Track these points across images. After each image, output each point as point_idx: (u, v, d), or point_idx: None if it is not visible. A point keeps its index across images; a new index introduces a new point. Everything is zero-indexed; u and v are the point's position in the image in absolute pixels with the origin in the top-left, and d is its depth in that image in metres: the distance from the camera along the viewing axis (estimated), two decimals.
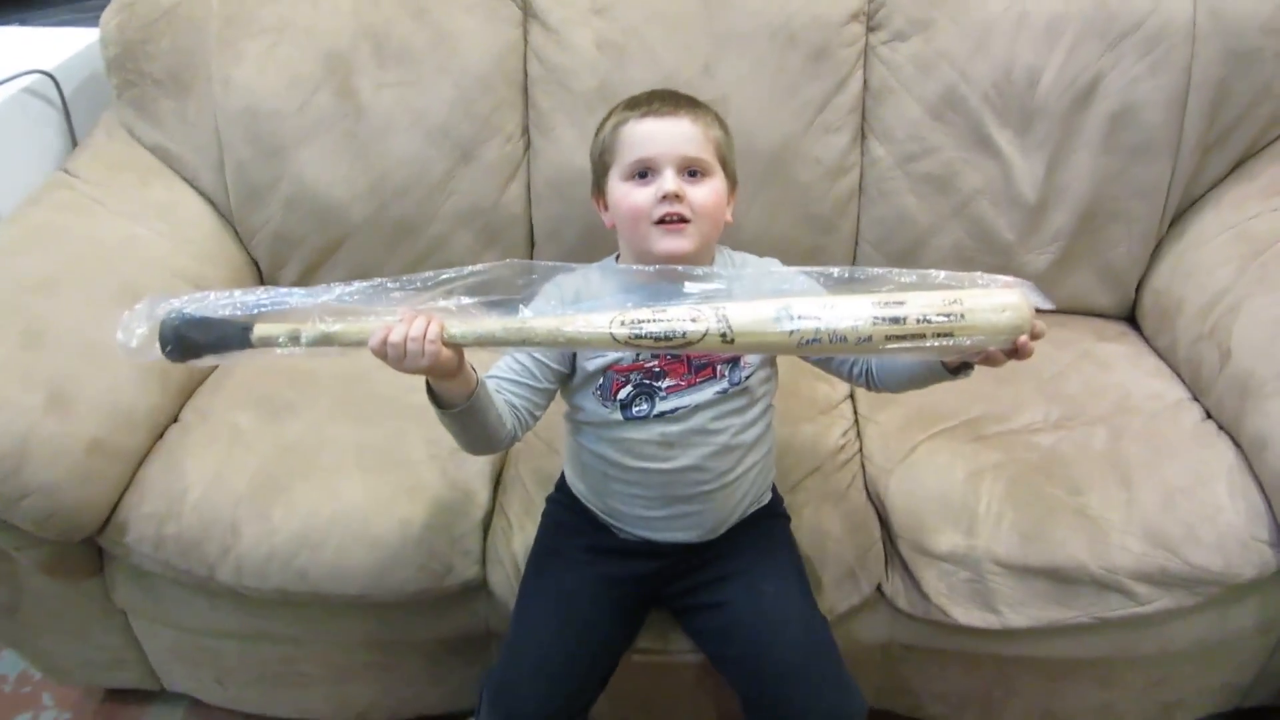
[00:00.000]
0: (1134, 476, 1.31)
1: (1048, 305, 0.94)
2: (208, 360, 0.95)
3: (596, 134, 1.17)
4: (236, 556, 1.29)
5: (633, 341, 0.92)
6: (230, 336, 0.93)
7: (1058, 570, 1.26)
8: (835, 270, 0.97)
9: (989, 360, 0.97)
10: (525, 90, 1.60)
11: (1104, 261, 1.59)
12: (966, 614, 1.28)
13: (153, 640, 1.50)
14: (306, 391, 1.47)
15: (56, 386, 1.26)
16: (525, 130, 1.61)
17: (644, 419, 1.14)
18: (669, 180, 1.07)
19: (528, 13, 1.58)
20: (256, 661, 1.49)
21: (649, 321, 0.92)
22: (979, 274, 0.95)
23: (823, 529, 1.32)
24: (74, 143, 1.71)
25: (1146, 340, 1.60)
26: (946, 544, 1.28)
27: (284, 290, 0.94)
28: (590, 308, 0.95)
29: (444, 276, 0.95)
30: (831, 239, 1.61)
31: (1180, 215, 1.59)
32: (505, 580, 1.30)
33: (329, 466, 1.36)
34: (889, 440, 1.41)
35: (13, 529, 1.25)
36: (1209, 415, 1.42)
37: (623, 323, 0.92)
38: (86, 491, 1.28)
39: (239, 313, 0.93)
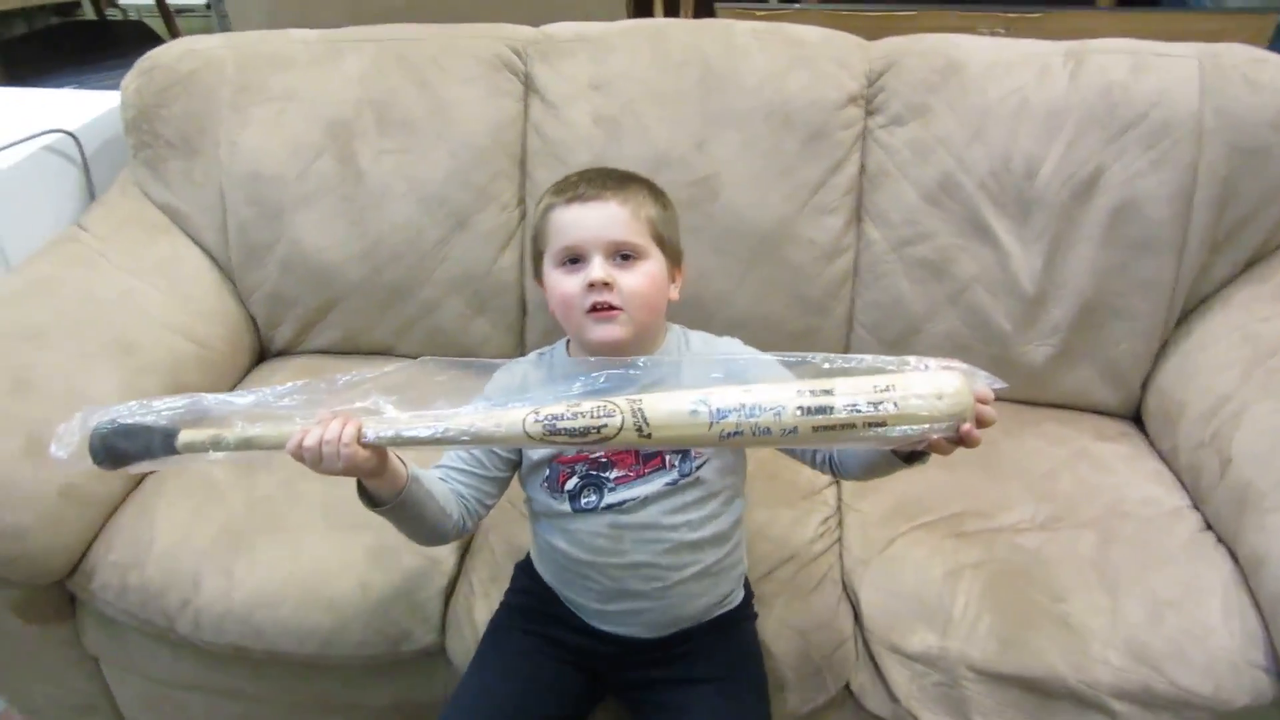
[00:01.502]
0: (1120, 585, 1.24)
1: (998, 385, 0.89)
2: (139, 467, 0.96)
3: (531, 218, 1.16)
4: (195, 610, 1.30)
5: (548, 438, 0.90)
6: (155, 444, 0.94)
7: (1035, 681, 1.19)
8: (794, 356, 0.94)
9: (935, 448, 0.91)
10: (523, 162, 1.62)
11: (1106, 358, 1.54)
12: None
13: (122, 688, 1.51)
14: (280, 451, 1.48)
15: (36, 433, 1.29)
16: (521, 200, 1.63)
17: (593, 510, 1.11)
18: (596, 268, 1.05)
19: (529, 87, 1.61)
20: (221, 716, 1.49)
21: (563, 417, 0.90)
22: (928, 359, 0.90)
23: (791, 624, 1.27)
24: (93, 199, 1.78)
25: (1150, 442, 1.54)
26: (919, 644, 1.23)
27: (212, 397, 0.96)
28: (517, 402, 0.93)
29: (361, 377, 0.96)
30: (824, 321, 1.58)
31: (1188, 314, 1.53)
32: (464, 648, 1.28)
33: (296, 524, 1.36)
34: (869, 530, 1.36)
35: None
36: (1208, 525, 1.34)
37: (536, 419, 0.90)
38: (57, 536, 1.30)
39: (168, 421, 0.95)
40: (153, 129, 1.66)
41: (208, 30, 2.14)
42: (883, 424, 0.86)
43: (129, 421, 0.95)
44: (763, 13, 2.19)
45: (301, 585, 1.30)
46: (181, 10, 2.97)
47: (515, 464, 1.14)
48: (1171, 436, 1.46)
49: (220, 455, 0.95)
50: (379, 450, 0.94)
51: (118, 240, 1.62)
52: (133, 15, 3.47)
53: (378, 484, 0.99)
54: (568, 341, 1.17)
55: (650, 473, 1.09)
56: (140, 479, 1.44)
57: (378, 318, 1.67)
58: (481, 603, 1.30)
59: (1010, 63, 1.49)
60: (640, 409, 0.89)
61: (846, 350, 1.61)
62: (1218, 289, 1.51)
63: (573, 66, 1.58)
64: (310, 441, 0.91)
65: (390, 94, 1.61)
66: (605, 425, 0.88)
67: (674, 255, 1.14)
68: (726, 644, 1.20)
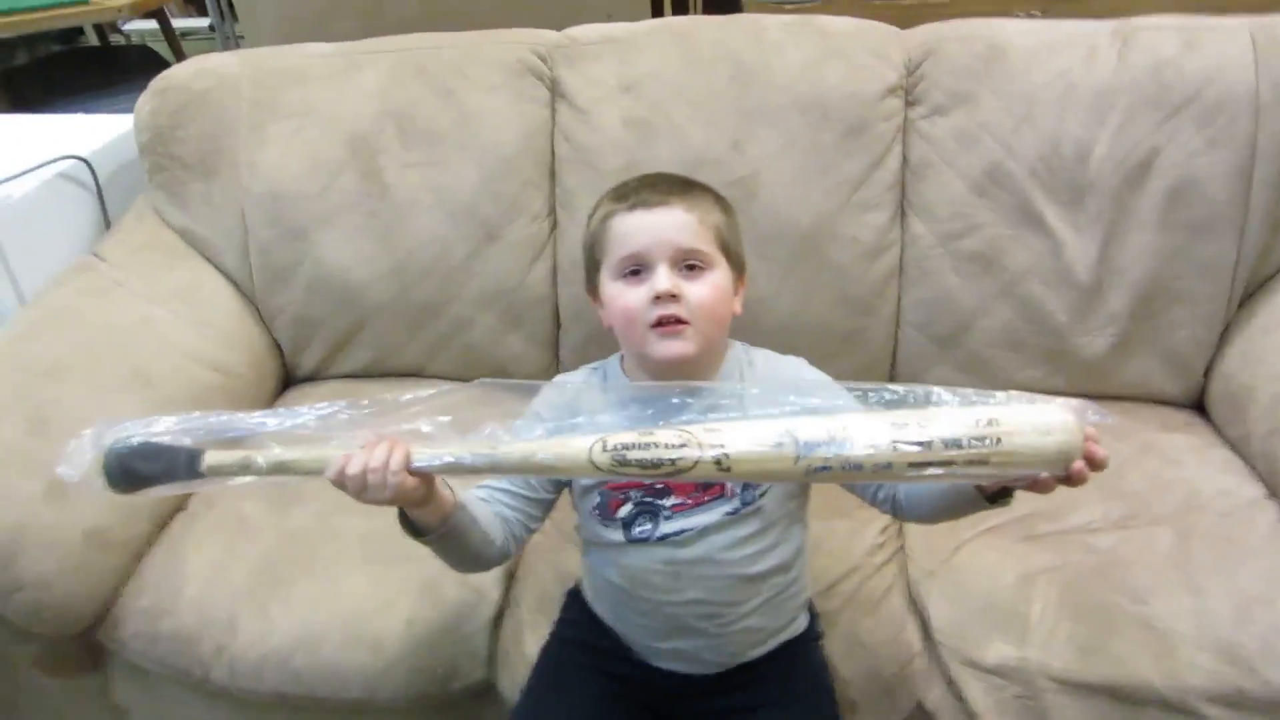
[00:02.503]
0: (1204, 583, 1.19)
1: (1107, 419, 0.82)
2: (157, 491, 0.89)
3: (587, 225, 1.09)
4: (231, 656, 1.24)
5: (616, 469, 0.84)
6: (178, 466, 0.87)
7: (1121, 689, 1.13)
8: (871, 389, 0.87)
9: (1036, 486, 0.84)
10: (552, 170, 1.57)
11: (1167, 346, 1.48)
12: None
13: None
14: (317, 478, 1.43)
15: (58, 474, 1.23)
16: (552, 210, 1.58)
17: (647, 541, 1.04)
18: (662, 278, 0.97)
19: (555, 92, 1.56)
20: None
21: (634, 448, 0.83)
22: (1038, 396, 0.84)
23: (859, 640, 1.22)
24: (107, 227, 1.73)
25: (1216, 430, 1.48)
26: (995, 655, 1.17)
27: (241, 415, 0.89)
28: (577, 425, 0.88)
29: (408, 398, 0.89)
30: (871, 321, 1.53)
31: (1250, 296, 1.47)
32: (515, 682, 1.22)
33: (332, 560, 1.31)
34: (931, 538, 1.30)
35: (6, 623, 1.21)
36: None
37: (604, 448, 0.84)
38: (82, 584, 1.25)
39: (190, 439, 0.88)
40: (168, 151, 1.61)
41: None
42: (984, 462, 0.80)
43: (150, 441, 0.88)
44: (791, 6, 2.14)
45: (343, 625, 1.24)
46: (186, 34, 2.94)
47: (563, 485, 1.08)
48: (1241, 424, 1.40)
49: (248, 480, 0.87)
50: (426, 477, 0.88)
51: (135, 267, 1.58)
52: (136, 40, 3.43)
53: (423, 512, 0.92)
54: (621, 356, 1.10)
55: (710, 500, 1.03)
56: (169, 519, 1.38)
57: (408, 338, 1.62)
58: (531, 634, 1.25)
59: (1055, 45, 1.44)
60: (721, 440, 0.82)
61: (894, 351, 1.56)
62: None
63: (600, 69, 1.53)
64: (354, 469, 0.84)
65: (412, 105, 1.56)
66: (680, 457, 0.82)
67: (739, 265, 1.07)
68: (793, 671, 1.14)
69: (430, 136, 1.56)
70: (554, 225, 1.58)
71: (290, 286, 1.61)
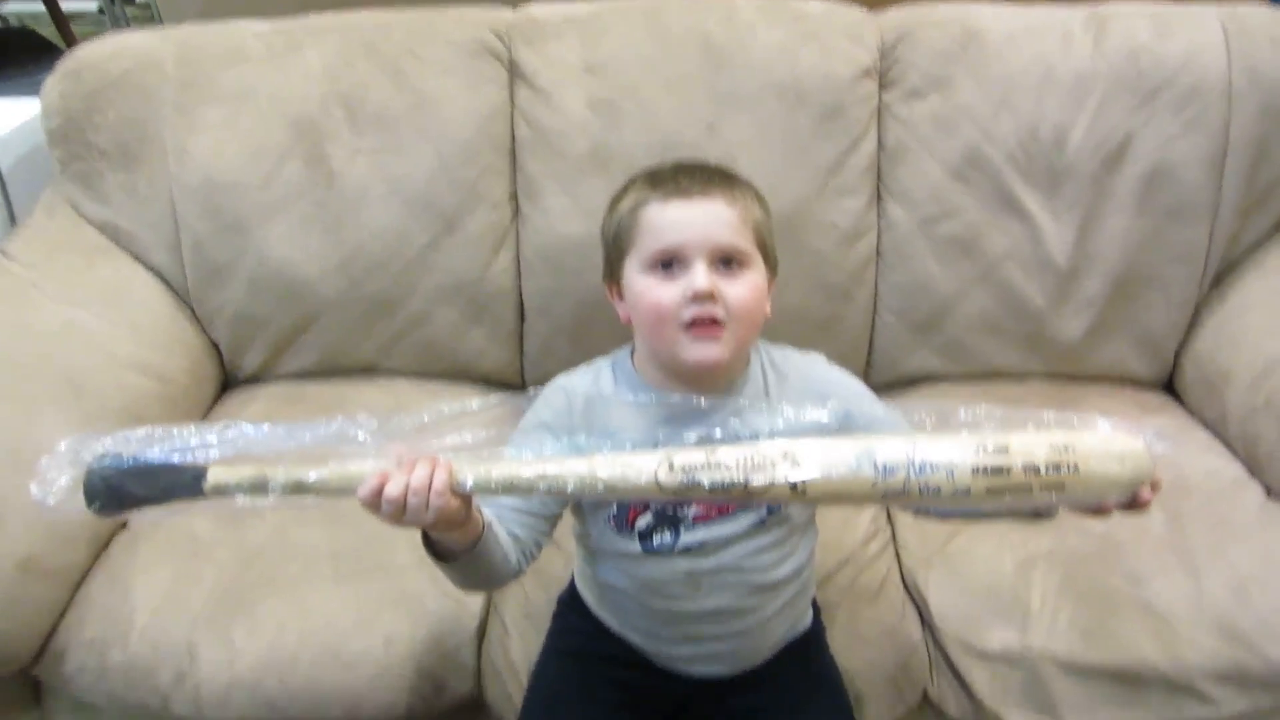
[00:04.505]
0: (1200, 563, 1.20)
1: (1168, 451, 0.82)
2: (146, 513, 0.79)
3: (610, 211, 1.00)
4: (194, 685, 1.14)
5: (684, 491, 0.78)
6: (176, 485, 0.78)
7: (1124, 670, 1.14)
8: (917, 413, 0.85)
9: (1097, 511, 0.83)
10: (513, 155, 1.49)
11: (1141, 328, 1.50)
12: None
13: None
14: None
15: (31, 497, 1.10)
16: (513, 197, 1.50)
17: (667, 553, 0.98)
18: (700, 276, 0.89)
19: (514, 73, 1.48)
20: None
21: (704, 468, 0.78)
22: (1094, 417, 0.82)
23: (859, 633, 1.19)
24: (12, 222, 1.58)
25: (1190, 412, 1.51)
26: (998, 642, 1.17)
27: (245, 426, 0.80)
28: (603, 443, 0.83)
29: (457, 409, 0.83)
30: (848, 308, 1.50)
31: (1219, 279, 1.50)
32: (504, 695, 1.17)
33: (298, 577, 1.21)
34: (925, 527, 1.29)
35: None
36: (1270, 492, 1.31)
37: (671, 467, 0.78)
38: (17, 618, 1.13)
39: (181, 455, 0.78)
40: (84, 139, 1.47)
41: None
42: (1060, 487, 0.78)
43: (146, 459, 0.78)
44: None
45: (316, 645, 1.15)
46: (72, 16, 2.72)
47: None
48: (1218, 405, 1.42)
49: (251, 500, 0.78)
50: (465, 498, 0.81)
51: (50, 268, 1.44)
52: (15, 23, 3.17)
53: (455, 535, 0.85)
54: (632, 352, 1.02)
55: (736, 510, 0.97)
56: (108, 541, 1.26)
57: (360, 335, 1.52)
58: (518, 643, 1.19)
59: (1031, 29, 1.44)
60: (797, 462, 0.78)
61: (871, 338, 1.54)
62: (1247, 252, 1.49)
63: (561, 49, 1.46)
64: (395, 491, 0.76)
65: (361, 88, 1.46)
66: (754, 479, 0.77)
67: (774, 264, 0.99)
68: (807, 666, 1.10)
69: (381, 121, 1.46)
70: (516, 213, 1.50)
71: (229, 284, 1.49)
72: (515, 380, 1.58)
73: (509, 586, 1.22)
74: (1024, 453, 0.78)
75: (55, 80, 1.48)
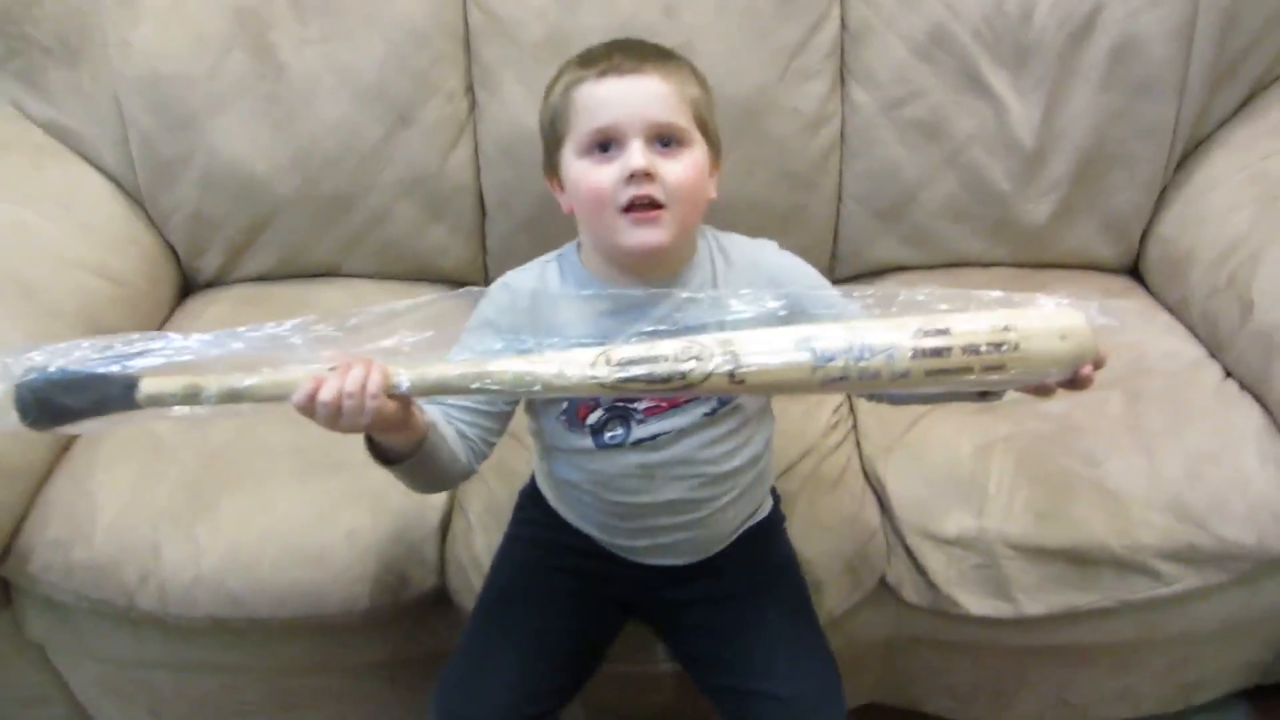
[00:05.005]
0: (1155, 444, 1.21)
1: (1112, 323, 0.81)
2: (83, 426, 0.78)
3: (545, 97, 0.96)
4: (159, 583, 1.15)
5: (621, 385, 0.78)
6: (110, 397, 0.77)
7: (1076, 550, 1.16)
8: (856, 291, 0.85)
9: (1039, 390, 0.83)
10: (467, 43, 1.44)
11: (1106, 210, 1.48)
12: (979, 603, 1.18)
13: (76, 674, 1.35)
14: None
15: None
16: (469, 88, 1.46)
17: (618, 446, 0.97)
18: (636, 154, 0.86)
19: None
20: (194, 693, 1.34)
21: (640, 361, 0.78)
22: (1035, 296, 0.82)
23: (819, 520, 1.20)
24: None
25: (1153, 295, 1.49)
26: (954, 527, 1.18)
27: (176, 337, 0.78)
28: (554, 342, 0.82)
29: (375, 311, 0.81)
30: (812, 197, 1.48)
31: (1186, 158, 1.48)
32: (468, 588, 1.18)
33: (261, 474, 1.22)
34: (885, 414, 1.29)
35: None
36: (1229, 374, 1.31)
37: (608, 361, 0.78)
38: None
39: (119, 367, 0.77)
40: (22, 33, 1.42)
41: None
42: (1001, 367, 0.78)
43: (73, 370, 0.77)
44: None
45: (279, 541, 1.16)
46: None
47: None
48: (1181, 287, 1.41)
49: (190, 410, 0.78)
50: (404, 399, 0.80)
51: None
52: None
53: (397, 438, 0.85)
54: (578, 245, 1.00)
55: (687, 402, 0.96)
56: (70, 442, 1.26)
57: (318, 234, 1.49)
58: (481, 537, 1.20)
59: None
60: (734, 351, 0.78)
61: (836, 228, 1.52)
62: (1215, 130, 1.46)
63: None
64: (328, 394, 0.76)
65: None
66: (692, 370, 0.77)
67: (716, 145, 0.96)
68: (765, 554, 1.12)
69: (327, 8, 1.41)
70: (473, 105, 1.46)
71: (181, 183, 1.45)
72: (478, 278, 1.56)
73: (472, 482, 1.23)
74: (964, 334, 0.78)
75: None
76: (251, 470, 1.22)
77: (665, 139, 0.89)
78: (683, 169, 0.89)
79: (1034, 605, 1.16)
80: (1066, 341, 0.79)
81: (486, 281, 1.51)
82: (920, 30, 1.39)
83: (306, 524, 1.17)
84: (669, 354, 0.78)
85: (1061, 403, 1.25)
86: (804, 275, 0.99)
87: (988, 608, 1.17)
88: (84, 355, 0.77)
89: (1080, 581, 1.16)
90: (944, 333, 0.78)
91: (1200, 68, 1.39)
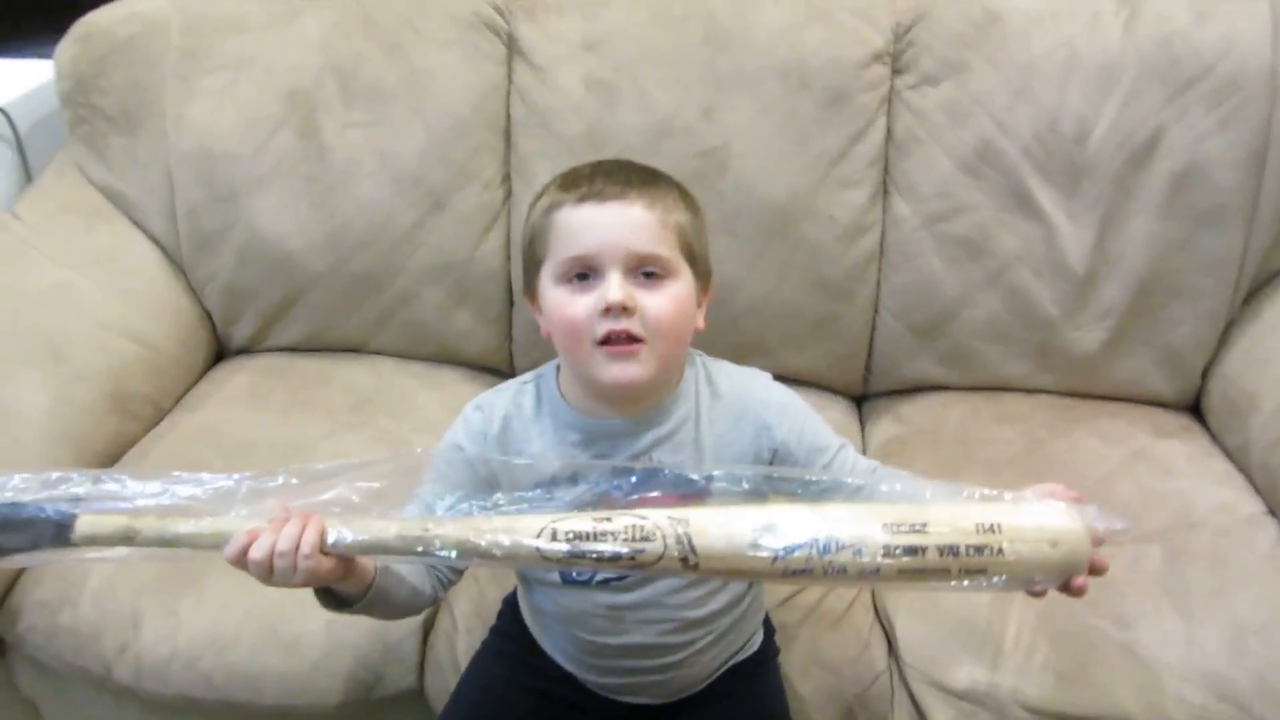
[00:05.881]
0: (1195, 609, 1.11)
1: (1116, 525, 0.75)
2: (17, 561, 0.79)
3: (527, 216, 0.92)
4: (135, 655, 1.15)
5: (568, 561, 0.74)
6: (44, 536, 0.76)
7: None
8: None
9: (1028, 592, 0.77)
10: (507, 134, 1.45)
11: (1164, 343, 1.39)
12: None
13: None
14: (237, 463, 1.31)
15: None
16: (506, 178, 1.47)
17: (585, 584, 0.93)
18: (614, 288, 0.82)
19: (513, 49, 1.44)
20: None
21: (590, 538, 0.74)
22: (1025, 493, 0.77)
23: (819, 656, 1.13)
24: (29, 182, 1.61)
25: (1214, 438, 1.39)
26: (966, 679, 1.09)
27: (116, 478, 0.78)
28: (510, 499, 0.80)
29: (340, 466, 0.80)
30: (846, 307, 1.43)
31: (1254, 293, 1.38)
32: (445, 690, 1.13)
33: None
34: None
35: None
36: None
37: (553, 536, 0.74)
38: None
39: (55, 509, 0.76)
40: (90, 102, 1.49)
41: None
42: (982, 571, 0.72)
43: (9, 507, 0.76)
44: None
45: (258, 625, 1.15)
46: None
47: None
48: (1242, 432, 1.31)
49: (129, 552, 0.77)
50: (344, 556, 0.78)
51: (51, 229, 1.47)
52: None
53: (343, 585, 0.82)
54: (558, 368, 0.96)
55: None
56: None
57: (347, 311, 1.51)
58: (465, 640, 1.16)
59: (1056, 12, 1.33)
60: (688, 535, 0.73)
61: (871, 341, 1.46)
62: None
63: (561, 25, 1.41)
64: (259, 552, 0.74)
65: (356, 60, 1.44)
66: (643, 551, 0.73)
67: (704, 274, 0.91)
68: (748, 691, 1.05)
69: (375, 94, 1.44)
70: (508, 194, 1.47)
71: (220, 253, 1.49)
72: (503, 365, 1.55)
73: (462, 581, 1.20)
74: (943, 533, 0.72)
75: (68, 43, 1.50)
76: None
77: (647, 269, 0.85)
78: (664, 302, 0.84)
79: None
80: (1058, 549, 0.72)
81: (512, 369, 1.54)
82: (968, 145, 1.34)
83: (287, 609, 1.15)
84: (619, 531, 0.74)
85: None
86: (792, 415, 0.93)
87: None
88: (20, 485, 0.77)
89: None
90: (920, 530, 0.72)
91: (1271, 199, 1.30)
